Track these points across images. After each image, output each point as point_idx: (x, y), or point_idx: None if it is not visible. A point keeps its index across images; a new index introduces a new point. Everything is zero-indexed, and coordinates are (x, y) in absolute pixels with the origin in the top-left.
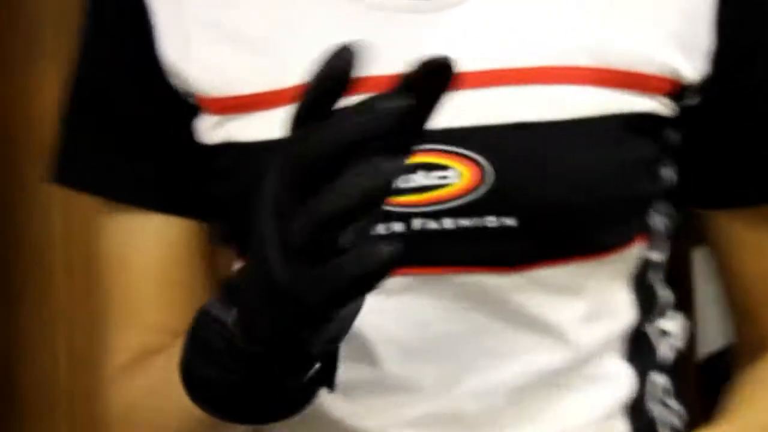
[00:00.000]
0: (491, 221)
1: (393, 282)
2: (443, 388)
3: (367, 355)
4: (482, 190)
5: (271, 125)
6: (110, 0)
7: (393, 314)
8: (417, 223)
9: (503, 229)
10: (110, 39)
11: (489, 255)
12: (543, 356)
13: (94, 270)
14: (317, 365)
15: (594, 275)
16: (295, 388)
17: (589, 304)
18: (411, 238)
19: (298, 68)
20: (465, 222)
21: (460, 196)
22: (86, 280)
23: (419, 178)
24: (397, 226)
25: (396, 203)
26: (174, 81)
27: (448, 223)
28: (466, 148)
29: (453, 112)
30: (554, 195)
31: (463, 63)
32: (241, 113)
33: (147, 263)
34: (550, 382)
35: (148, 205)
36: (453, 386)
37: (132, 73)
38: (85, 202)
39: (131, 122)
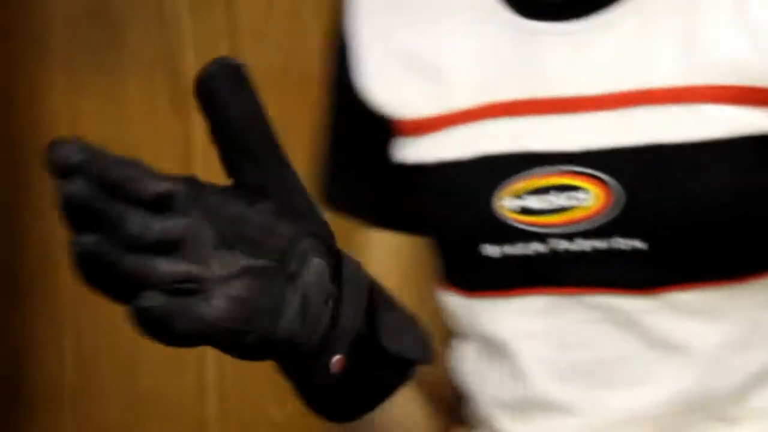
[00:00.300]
0: (621, 243)
1: (536, 302)
2: (590, 409)
3: (521, 374)
4: (613, 213)
5: (437, 146)
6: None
7: (541, 335)
8: (553, 243)
9: (633, 252)
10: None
11: (620, 277)
12: (685, 382)
13: None
14: (335, 356)
15: (737, 300)
16: (325, 382)
17: (735, 331)
18: (548, 257)
19: (464, 92)
20: (597, 243)
21: (591, 218)
22: None
23: (555, 199)
24: (537, 246)
25: (535, 223)
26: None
27: (581, 244)
28: (597, 169)
29: (591, 133)
30: (687, 217)
31: (608, 84)
32: (416, 135)
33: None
34: (701, 411)
35: (390, 225)
36: (599, 407)
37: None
38: None
39: (373, 149)
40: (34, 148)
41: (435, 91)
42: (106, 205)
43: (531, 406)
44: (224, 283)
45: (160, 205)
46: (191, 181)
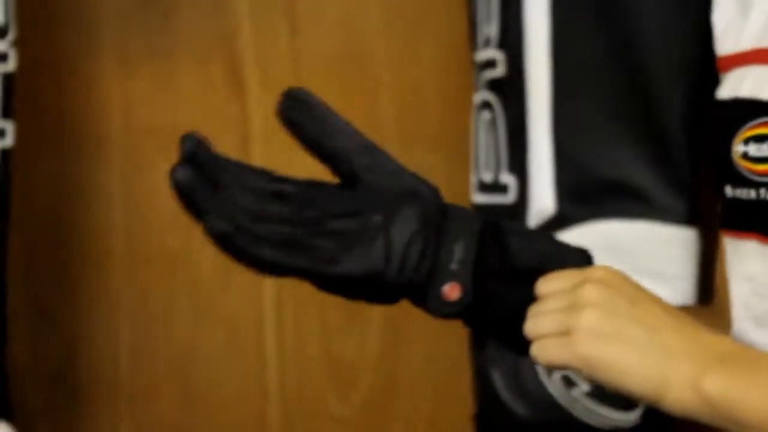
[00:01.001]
0: None
1: (745, 247)
2: None
3: (726, 320)
4: None
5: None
6: None
7: (747, 281)
8: (762, 193)
9: None
10: None
11: None
12: None
13: (155, 264)
14: (445, 285)
15: None
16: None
17: None
18: (757, 206)
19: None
20: None
21: None
22: (147, 274)
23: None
24: (751, 193)
25: (751, 170)
26: None
27: None
28: None
29: None
30: None
31: None
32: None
33: None
34: None
35: None
36: None
37: None
38: (145, 187)
39: None
40: (87, 136)
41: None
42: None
43: None
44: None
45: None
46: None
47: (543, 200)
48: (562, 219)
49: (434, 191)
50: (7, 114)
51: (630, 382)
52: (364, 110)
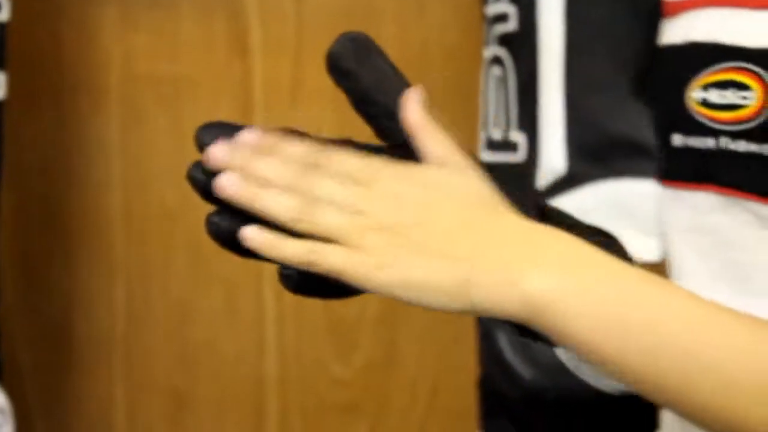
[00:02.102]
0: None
1: (702, 199)
2: None
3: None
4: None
5: (671, 30)
6: None
7: (706, 234)
8: (723, 142)
9: None
10: None
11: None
12: None
13: (153, 221)
14: None
15: None
16: None
17: None
18: (717, 155)
19: None
20: (753, 147)
21: (750, 120)
22: (143, 229)
23: (731, 96)
24: (709, 142)
25: (712, 118)
26: None
27: (741, 145)
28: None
29: None
30: None
31: None
32: (668, 17)
33: None
34: None
35: None
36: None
37: None
38: (144, 140)
39: None
40: (86, 88)
41: None
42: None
43: None
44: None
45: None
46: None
47: (553, 159)
48: (573, 178)
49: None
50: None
51: (429, 298)
52: None
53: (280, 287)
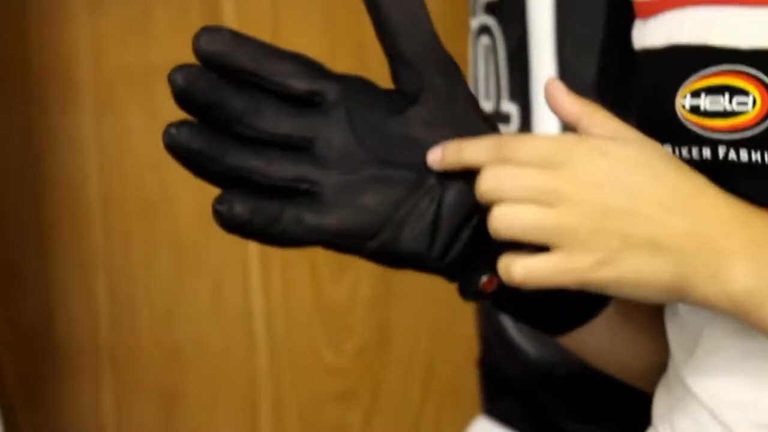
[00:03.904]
0: None
1: None
2: None
3: None
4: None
5: (646, 32)
6: None
7: None
8: (722, 152)
9: None
10: None
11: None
12: None
13: (133, 214)
14: (484, 276)
15: None
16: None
17: None
18: (717, 166)
19: None
20: (755, 156)
21: (750, 127)
22: (125, 226)
23: (726, 103)
24: (706, 152)
25: (705, 126)
26: None
27: (743, 155)
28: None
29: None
30: None
31: None
32: (641, 18)
33: None
34: None
35: None
36: None
37: None
38: (119, 132)
39: None
40: (55, 80)
41: None
42: (234, 96)
43: None
44: (344, 190)
45: (306, 101)
46: (346, 81)
47: (547, 128)
48: None
49: None
50: None
51: (643, 294)
52: (350, 44)
53: (266, 277)
